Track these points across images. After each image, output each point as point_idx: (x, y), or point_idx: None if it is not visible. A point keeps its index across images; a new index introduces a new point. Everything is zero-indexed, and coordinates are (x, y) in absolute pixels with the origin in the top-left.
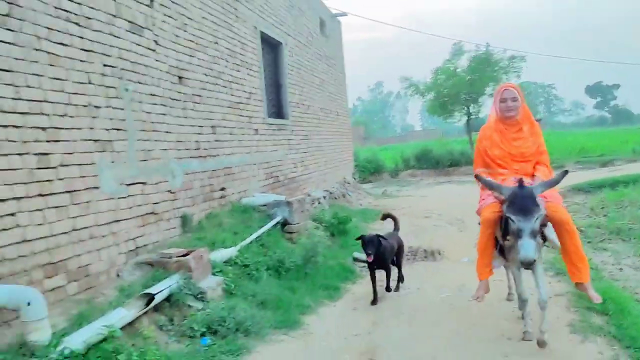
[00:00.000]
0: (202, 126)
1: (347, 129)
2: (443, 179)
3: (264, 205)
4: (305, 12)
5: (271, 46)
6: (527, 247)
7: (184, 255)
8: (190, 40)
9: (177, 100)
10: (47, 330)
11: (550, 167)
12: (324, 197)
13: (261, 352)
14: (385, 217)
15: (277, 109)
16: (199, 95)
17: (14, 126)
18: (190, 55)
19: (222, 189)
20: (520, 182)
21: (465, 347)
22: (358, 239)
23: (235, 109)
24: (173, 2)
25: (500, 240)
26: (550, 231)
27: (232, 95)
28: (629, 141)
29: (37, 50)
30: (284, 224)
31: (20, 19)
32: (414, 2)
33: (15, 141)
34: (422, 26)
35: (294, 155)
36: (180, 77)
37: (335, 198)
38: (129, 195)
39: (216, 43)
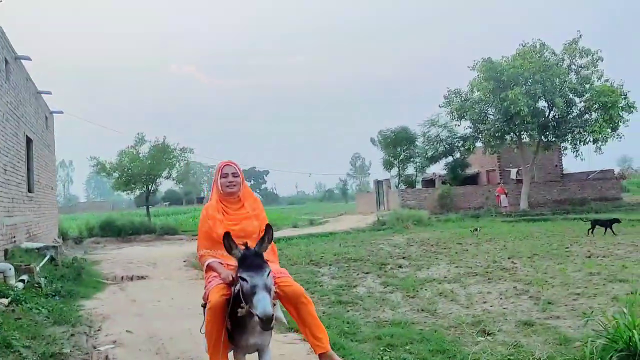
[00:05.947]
0: (10, 197)
1: (55, 199)
2: (126, 245)
3: (38, 248)
4: (40, 113)
5: (28, 142)
6: (264, 300)
7: (27, 265)
8: (4, 141)
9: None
10: (14, 281)
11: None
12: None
13: (82, 302)
14: None
15: (29, 186)
16: (9, 178)
17: None
18: (4, 153)
19: (14, 237)
20: (246, 245)
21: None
22: None
23: (17, 186)
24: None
25: (228, 325)
26: (277, 310)
27: (17, 177)
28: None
29: None
30: (51, 258)
31: None
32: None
33: None
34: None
35: (36, 218)
36: (5, 170)
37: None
38: None
39: (13, 144)
